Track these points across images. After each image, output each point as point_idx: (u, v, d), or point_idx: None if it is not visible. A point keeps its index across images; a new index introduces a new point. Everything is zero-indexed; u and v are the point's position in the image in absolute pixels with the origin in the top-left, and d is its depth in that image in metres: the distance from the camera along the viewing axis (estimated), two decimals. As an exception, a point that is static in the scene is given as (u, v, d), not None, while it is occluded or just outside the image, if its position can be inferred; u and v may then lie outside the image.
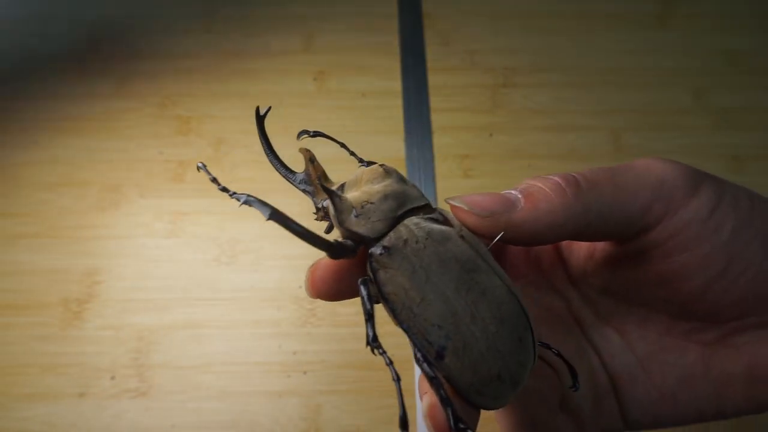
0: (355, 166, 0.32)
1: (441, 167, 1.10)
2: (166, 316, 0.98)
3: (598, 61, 1.23)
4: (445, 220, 0.28)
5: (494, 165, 1.11)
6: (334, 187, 0.29)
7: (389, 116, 1.15)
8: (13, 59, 1.21)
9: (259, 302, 0.97)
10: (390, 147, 1.11)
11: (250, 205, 0.25)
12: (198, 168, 0.31)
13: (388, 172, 0.29)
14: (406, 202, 0.27)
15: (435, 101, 1.17)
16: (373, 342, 0.26)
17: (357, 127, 1.11)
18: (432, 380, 0.24)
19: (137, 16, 1.27)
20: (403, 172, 1.09)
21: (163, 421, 0.91)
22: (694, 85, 1.21)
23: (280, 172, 0.32)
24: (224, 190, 0.29)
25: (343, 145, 0.31)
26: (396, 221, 0.27)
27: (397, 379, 0.25)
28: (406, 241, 0.26)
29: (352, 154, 0.32)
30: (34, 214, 1.06)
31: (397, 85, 1.18)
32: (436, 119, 1.16)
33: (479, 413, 0.26)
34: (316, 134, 0.31)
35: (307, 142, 0.33)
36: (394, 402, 0.31)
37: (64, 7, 1.27)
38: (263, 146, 0.32)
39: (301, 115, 1.13)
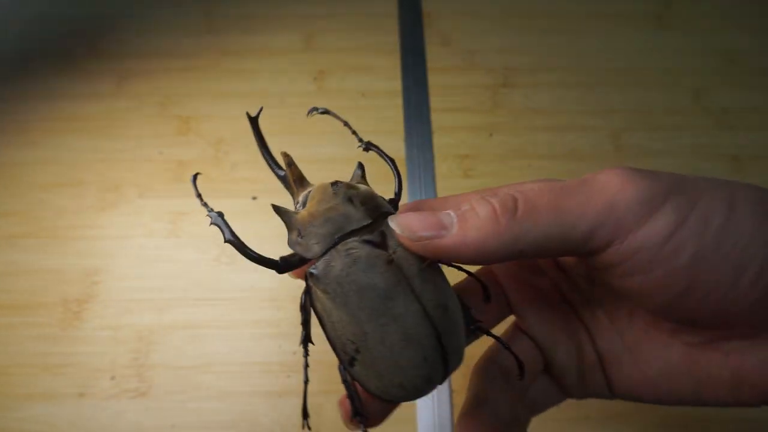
0: (352, 167, 0.34)
1: (441, 167, 1.10)
2: (165, 316, 0.98)
3: (598, 61, 1.23)
4: (381, 242, 0.29)
5: (494, 165, 1.11)
6: (302, 193, 0.32)
7: (389, 116, 1.15)
8: (9, 58, 1.21)
9: (259, 302, 0.97)
10: (390, 147, 1.11)
11: (217, 225, 0.33)
12: (192, 178, 0.34)
13: (335, 193, 0.31)
14: (345, 226, 0.29)
15: (435, 101, 1.17)
16: (303, 343, 0.32)
17: (357, 127, 1.11)
18: (344, 381, 0.31)
19: (137, 15, 1.27)
20: (403, 172, 1.09)
21: (163, 421, 0.91)
22: (694, 85, 1.21)
23: (274, 172, 0.34)
24: (204, 205, 0.34)
25: (346, 124, 0.34)
26: (333, 244, 0.29)
27: (306, 381, 0.33)
28: (332, 268, 0.28)
29: (354, 133, 0.35)
30: (31, 214, 1.05)
31: (397, 85, 1.18)
32: (436, 119, 1.16)
33: (394, 404, 0.32)
34: (324, 112, 0.34)
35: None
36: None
37: (63, 7, 1.27)
38: (258, 145, 0.35)
39: (301, 115, 1.13)
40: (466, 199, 0.31)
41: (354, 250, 0.29)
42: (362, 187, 0.33)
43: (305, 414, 0.34)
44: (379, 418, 0.33)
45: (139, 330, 0.97)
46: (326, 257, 0.29)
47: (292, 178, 0.34)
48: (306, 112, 0.35)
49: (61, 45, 1.23)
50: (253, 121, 0.35)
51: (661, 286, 0.27)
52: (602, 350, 0.35)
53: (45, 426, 0.90)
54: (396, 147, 1.11)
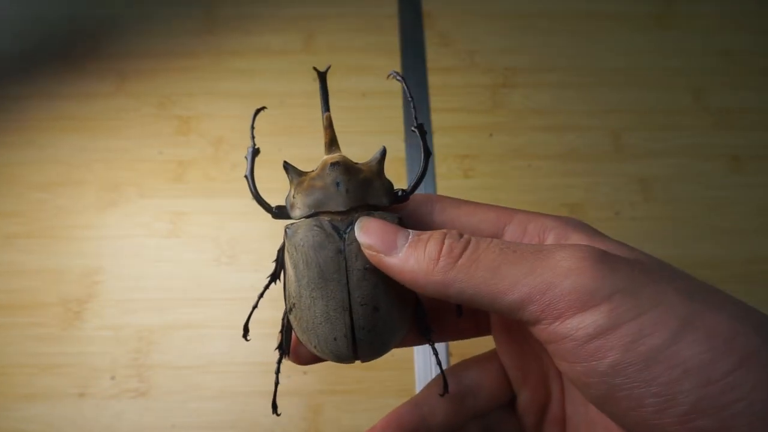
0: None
1: (441, 167, 1.11)
2: (166, 316, 0.98)
3: (598, 61, 1.23)
4: (344, 231, 0.32)
5: (494, 165, 1.11)
6: (333, 153, 0.36)
7: (389, 116, 1.15)
8: (9, 58, 1.21)
9: (259, 302, 0.97)
10: (390, 147, 1.11)
11: (246, 158, 0.36)
12: (255, 112, 0.37)
13: (329, 173, 0.33)
14: (322, 205, 0.33)
15: (435, 101, 1.17)
16: (272, 277, 0.36)
17: (357, 127, 1.11)
18: (282, 319, 0.35)
19: (137, 15, 1.27)
20: (403, 172, 1.09)
21: (163, 421, 0.91)
22: (694, 85, 1.21)
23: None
24: (252, 138, 0.37)
25: (411, 100, 0.36)
26: (308, 215, 0.33)
27: (283, 326, 0.35)
28: (297, 234, 0.33)
29: (414, 108, 0.36)
30: (31, 214, 1.05)
31: (397, 85, 1.18)
32: (436, 119, 1.16)
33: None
34: (402, 79, 0.36)
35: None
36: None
37: (63, 6, 1.27)
38: (321, 100, 0.37)
39: (301, 115, 1.13)
40: (456, 223, 0.32)
41: (317, 228, 0.32)
42: (363, 173, 0.34)
43: (282, 347, 0.37)
44: (305, 360, 0.36)
45: (139, 330, 0.97)
46: (300, 222, 0.33)
47: (324, 140, 0.36)
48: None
49: (62, 45, 1.23)
50: (322, 76, 0.37)
51: (584, 383, 0.26)
52: (568, 412, 0.34)
53: (45, 426, 0.90)
54: (396, 147, 1.11)
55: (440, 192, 1.07)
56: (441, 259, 0.28)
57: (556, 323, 0.25)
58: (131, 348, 0.96)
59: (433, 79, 1.20)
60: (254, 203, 0.36)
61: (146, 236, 1.04)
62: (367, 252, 0.30)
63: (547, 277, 0.26)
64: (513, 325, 0.35)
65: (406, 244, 0.29)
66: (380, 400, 0.92)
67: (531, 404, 0.34)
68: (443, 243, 0.28)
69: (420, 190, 0.36)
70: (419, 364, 0.97)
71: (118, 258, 1.02)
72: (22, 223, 1.05)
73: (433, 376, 0.36)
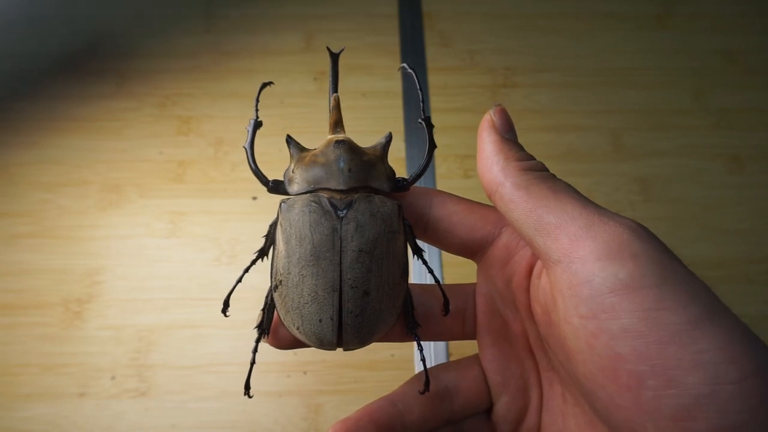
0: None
1: (441, 167, 1.11)
2: (166, 316, 0.98)
3: (598, 61, 1.23)
4: (343, 209, 0.32)
5: (494, 165, 1.10)
6: (337, 134, 0.35)
7: (389, 116, 1.15)
8: (12, 59, 1.21)
9: (260, 302, 0.97)
10: (390, 147, 1.11)
11: (247, 130, 0.35)
12: (261, 86, 0.36)
13: (333, 150, 0.33)
14: (322, 182, 0.32)
15: (435, 101, 1.17)
16: (260, 253, 0.35)
17: (357, 127, 1.11)
18: (266, 298, 0.34)
19: (137, 16, 1.27)
20: (402, 172, 1.09)
21: (163, 421, 0.91)
22: (694, 85, 1.21)
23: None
24: (256, 110, 0.36)
25: (420, 90, 0.36)
26: (306, 191, 0.32)
27: (260, 334, 0.35)
28: (293, 208, 0.32)
29: (422, 101, 0.37)
30: (33, 214, 1.06)
31: (397, 85, 1.18)
32: (436, 119, 1.16)
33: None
34: (412, 72, 0.36)
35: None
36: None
37: (63, 7, 1.27)
38: (330, 81, 0.37)
39: (301, 115, 1.13)
40: (453, 219, 0.33)
41: (314, 204, 0.32)
42: (367, 155, 0.34)
43: (263, 326, 0.35)
44: (284, 342, 0.35)
45: (139, 330, 0.97)
46: (297, 198, 0.32)
47: (330, 121, 0.36)
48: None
49: (62, 46, 1.23)
50: (334, 57, 0.37)
51: (589, 346, 0.25)
52: (544, 422, 0.33)
53: (46, 425, 0.90)
54: (396, 147, 1.11)
55: (440, 192, 1.07)
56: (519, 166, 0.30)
57: (578, 263, 0.25)
58: (132, 348, 0.96)
59: (433, 79, 1.20)
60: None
61: (147, 236, 1.04)
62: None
63: (591, 221, 0.26)
64: (500, 328, 0.35)
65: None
66: (380, 400, 0.93)
67: (508, 412, 0.34)
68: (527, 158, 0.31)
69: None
70: (419, 365, 0.97)
71: (119, 258, 1.03)
72: (24, 223, 1.05)
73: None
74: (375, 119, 1.14)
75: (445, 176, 1.09)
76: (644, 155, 1.13)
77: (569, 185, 0.30)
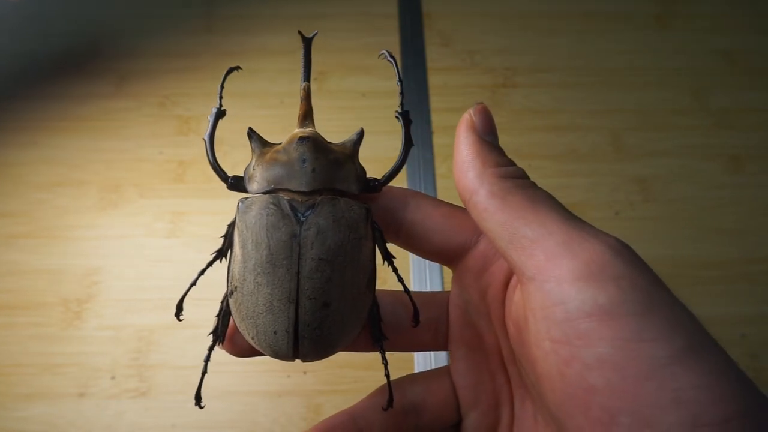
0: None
1: (441, 167, 1.11)
2: (166, 316, 0.98)
3: (598, 61, 1.23)
4: (304, 213, 0.29)
5: (494, 165, 1.10)
6: (305, 127, 0.33)
7: (389, 116, 1.14)
8: (11, 59, 1.21)
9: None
10: (390, 147, 1.11)
11: (209, 120, 0.33)
12: (228, 71, 0.34)
13: (296, 148, 0.31)
14: (283, 182, 0.30)
15: (435, 101, 1.17)
16: (218, 254, 0.33)
17: (357, 127, 1.11)
18: (221, 303, 0.33)
19: (136, 16, 1.27)
20: (403, 172, 1.09)
21: (163, 421, 0.91)
22: (694, 85, 1.21)
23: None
24: (219, 98, 0.33)
25: (400, 82, 0.34)
26: (266, 191, 0.30)
27: (215, 340, 0.33)
28: (250, 210, 0.29)
29: (402, 94, 0.35)
30: (32, 214, 1.06)
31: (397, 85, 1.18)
32: (436, 119, 1.16)
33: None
34: (392, 59, 0.34)
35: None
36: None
37: (63, 7, 1.27)
38: (303, 67, 0.34)
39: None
40: (428, 223, 0.31)
41: (273, 206, 0.29)
42: (334, 154, 0.32)
43: (217, 333, 0.34)
44: (241, 350, 0.33)
45: (139, 330, 0.97)
46: (255, 198, 0.30)
47: (298, 113, 0.34)
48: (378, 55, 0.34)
49: (62, 45, 1.23)
50: (307, 42, 0.34)
51: (560, 374, 0.24)
52: None
53: (45, 426, 0.90)
54: (396, 147, 1.10)
55: (440, 192, 1.07)
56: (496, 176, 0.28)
57: (554, 283, 0.23)
58: (131, 348, 0.96)
59: (433, 79, 1.20)
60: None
61: (146, 236, 1.04)
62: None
63: (570, 237, 0.24)
64: (473, 340, 0.33)
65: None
66: (380, 400, 0.93)
67: (477, 429, 0.32)
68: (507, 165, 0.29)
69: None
70: (419, 365, 0.97)
71: (118, 258, 1.02)
72: (23, 223, 1.05)
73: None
74: (375, 119, 1.14)
75: (445, 176, 1.09)
76: (644, 155, 1.13)
77: (550, 195, 0.28)
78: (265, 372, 0.94)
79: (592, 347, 0.22)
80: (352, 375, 0.95)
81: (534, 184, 0.29)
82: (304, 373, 0.94)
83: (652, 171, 1.12)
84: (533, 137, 1.14)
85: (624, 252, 0.24)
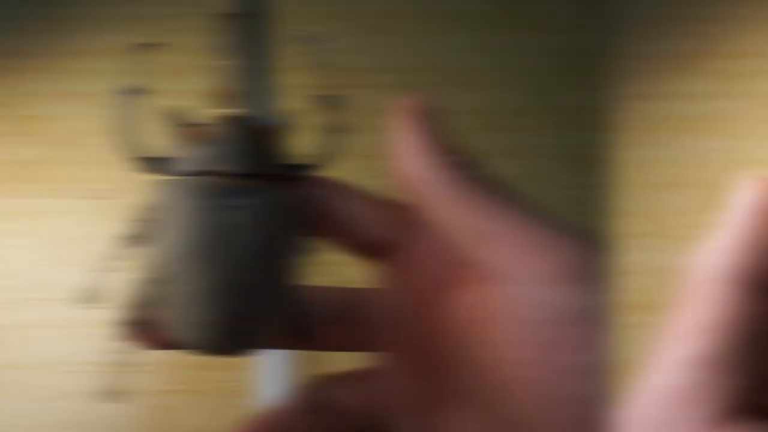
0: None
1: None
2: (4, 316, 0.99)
3: (444, 61, 1.14)
4: (227, 198, 0.28)
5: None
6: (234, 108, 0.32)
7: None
8: None
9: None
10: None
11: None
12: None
13: (228, 127, 0.29)
14: (208, 164, 0.28)
15: (282, 101, 1.13)
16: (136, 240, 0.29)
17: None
18: (137, 289, 0.30)
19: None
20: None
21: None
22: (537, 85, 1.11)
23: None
24: None
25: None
26: (190, 174, 0.28)
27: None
28: (171, 194, 0.28)
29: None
30: None
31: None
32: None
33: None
34: (311, 40, 0.32)
35: None
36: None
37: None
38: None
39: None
40: (357, 217, 0.29)
41: (194, 190, 0.28)
42: (262, 137, 0.30)
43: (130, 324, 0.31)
44: (159, 344, 0.31)
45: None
46: (178, 180, 0.29)
47: (222, 92, 0.32)
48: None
49: None
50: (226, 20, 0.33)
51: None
52: None
53: None
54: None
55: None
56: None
57: (518, 283, 0.23)
58: None
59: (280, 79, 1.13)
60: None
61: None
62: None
63: (538, 234, 0.23)
64: (406, 341, 0.30)
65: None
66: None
67: None
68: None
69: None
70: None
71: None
72: None
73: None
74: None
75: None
76: (488, 156, 1.07)
77: (511, 187, 0.26)
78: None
79: (562, 353, 0.21)
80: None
81: (493, 176, 0.27)
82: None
83: (498, 172, 1.05)
84: (377, 139, 1.09)
85: (596, 250, 0.23)
